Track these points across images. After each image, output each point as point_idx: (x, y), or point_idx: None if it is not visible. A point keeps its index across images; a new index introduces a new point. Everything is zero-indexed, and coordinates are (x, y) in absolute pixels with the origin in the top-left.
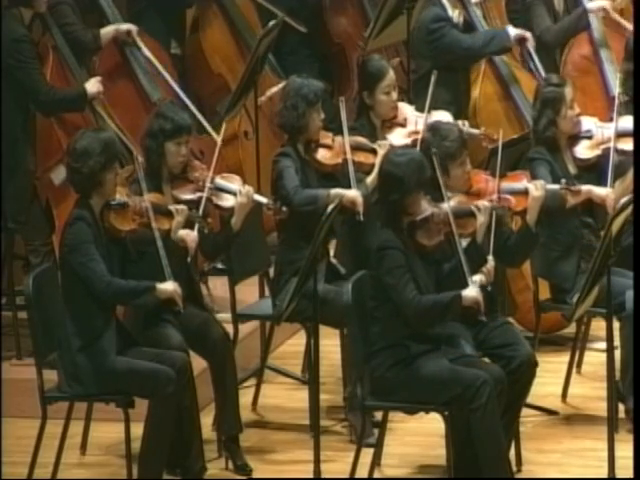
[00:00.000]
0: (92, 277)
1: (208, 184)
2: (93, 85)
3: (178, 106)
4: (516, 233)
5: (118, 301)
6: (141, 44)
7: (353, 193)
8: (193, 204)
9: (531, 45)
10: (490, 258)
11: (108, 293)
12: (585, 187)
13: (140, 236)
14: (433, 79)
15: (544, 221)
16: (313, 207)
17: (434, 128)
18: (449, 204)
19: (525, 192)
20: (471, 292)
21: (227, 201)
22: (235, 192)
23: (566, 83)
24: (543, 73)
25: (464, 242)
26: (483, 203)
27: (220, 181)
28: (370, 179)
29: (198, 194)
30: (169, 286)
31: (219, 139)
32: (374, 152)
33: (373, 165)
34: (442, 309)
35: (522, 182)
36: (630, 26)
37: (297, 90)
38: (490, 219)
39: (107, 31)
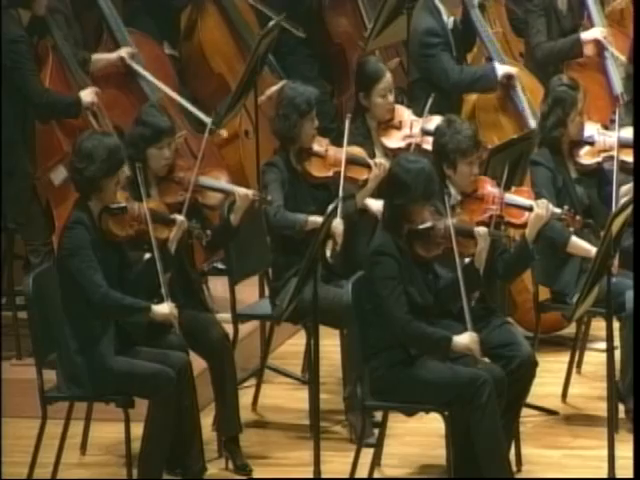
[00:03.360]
0: (88, 286)
1: (191, 186)
2: (88, 95)
3: (158, 108)
4: (512, 248)
5: (111, 314)
6: (138, 67)
7: (334, 223)
8: (180, 206)
9: (516, 82)
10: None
11: (103, 306)
12: (586, 245)
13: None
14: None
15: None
16: (290, 232)
17: (450, 120)
18: (452, 220)
19: (528, 208)
20: (463, 339)
21: (213, 199)
22: (220, 189)
23: (579, 88)
24: (528, 111)
25: (465, 260)
26: (482, 229)
27: (204, 179)
28: (360, 196)
29: (183, 196)
30: (165, 309)
31: (204, 137)
32: (369, 167)
33: (365, 181)
34: (429, 344)
35: (526, 198)
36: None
37: (290, 100)
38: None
39: (98, 59)
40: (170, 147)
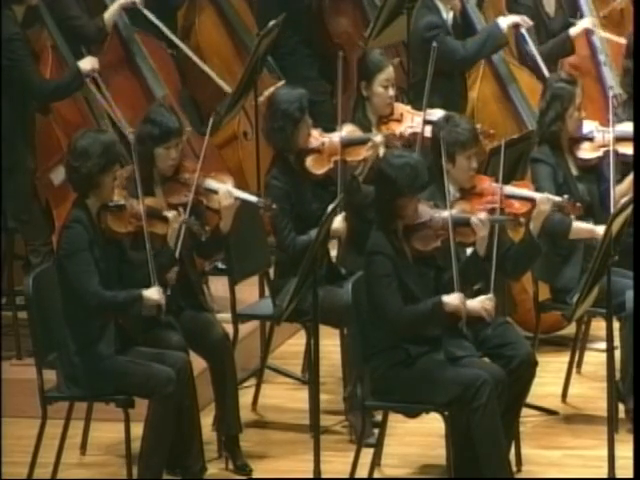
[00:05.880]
0: (83, 292)
1: (194, 187)
2: (87, 62)
3: (167, 108)
4: (518, 243)
5: (109, 314)
6: (146, 12)
7: (336, 224)
8: (185, 207)
9: (525, 29)
10: (490, 296)
11: (99, 309)
12: (588, 226)
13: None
14: (427, 84)
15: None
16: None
17: (448, 116)
18: (450, 211)
19: (528, 199)
20: (453, 299)
21: (218, 202)
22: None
23: (577, 83)
24: (539, 58)
25: (468, 250)
26: (483, 215)
27: (209, 182)
28: (360, 175)
29: (188, 197)
30: (154, 294)
31: (205, 138)
32: (366, 143)
33: (365, 160)
34: (425, 319)
35: (527, 189)
36: (619, 39)
37: (283, 111)
38: (492, 231)
39: (111, 13)
40: (177, 148)
